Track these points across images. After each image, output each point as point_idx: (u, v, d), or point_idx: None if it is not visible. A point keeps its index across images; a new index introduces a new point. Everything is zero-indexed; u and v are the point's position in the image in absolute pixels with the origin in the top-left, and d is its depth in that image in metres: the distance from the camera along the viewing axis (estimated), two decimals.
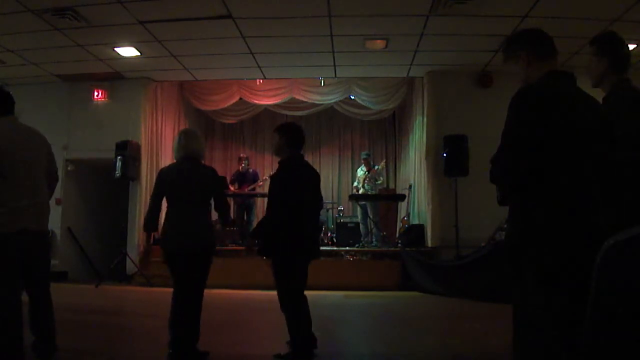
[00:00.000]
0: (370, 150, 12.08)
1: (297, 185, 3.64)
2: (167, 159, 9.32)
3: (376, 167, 9.73)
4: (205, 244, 3.69)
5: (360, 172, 9.88)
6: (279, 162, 3.83)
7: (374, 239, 9.28)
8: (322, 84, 10.17)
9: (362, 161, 10.06)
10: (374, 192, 9.67)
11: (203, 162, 3.93)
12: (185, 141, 3.78)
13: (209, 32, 7.26)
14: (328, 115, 12.11)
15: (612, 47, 2.58)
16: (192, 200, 3.67)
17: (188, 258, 3.58)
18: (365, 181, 9.63)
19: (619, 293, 1.64)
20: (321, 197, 3.98)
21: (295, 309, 3.57)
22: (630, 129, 2.27)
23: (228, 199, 4.41)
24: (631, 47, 7.44)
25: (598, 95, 2.32)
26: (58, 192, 8.80)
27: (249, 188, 9.61)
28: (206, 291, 3.67)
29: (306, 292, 3.67)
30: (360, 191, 9.69)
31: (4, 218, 3.10)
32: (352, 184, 10.64)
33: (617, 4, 6.19)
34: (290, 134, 3.84)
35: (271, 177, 3.89)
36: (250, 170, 10.09)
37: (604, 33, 2.72)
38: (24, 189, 3.23)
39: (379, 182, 9.81)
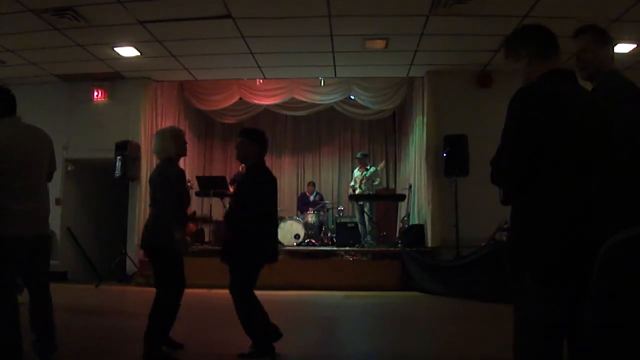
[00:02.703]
0: (370, 150, 12.10)
1: (271, 192, 3.83)
2: None
3: (372, 169, 9.72)
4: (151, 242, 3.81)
5: (357, 172, 9.88)
6: (251, 167, 3.87)
7: (369, 237, 9.29)
8: (322, 84, 10.16)
9: (358, 162, 10.07)
10: (370, 192, 9.68)
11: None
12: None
13: (209, 32, 7.25)
14: (328, 115, 12.10)
15: (610, 37, 2.52)
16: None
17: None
18: (363, 182, 9.64)
19: (619, 293, 1.63)
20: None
21: (252, 309, 3.69)
22: (631, 121, 2.24)
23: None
24: (631, 47, 7.44)
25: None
26: (58, 192, 8.85)
27: None
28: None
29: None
30: (357, 191, 9.69)
31: (4, 220, 3.09)
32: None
33: (617, 4, 6.19)
34: (263, 143, 3.91)
35: (243, 182, 3.95)
36: None
37: (591, 24, 2.56)
38: (26, 192, 3.22)
39: (376, 182, 9.81)
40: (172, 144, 3.83)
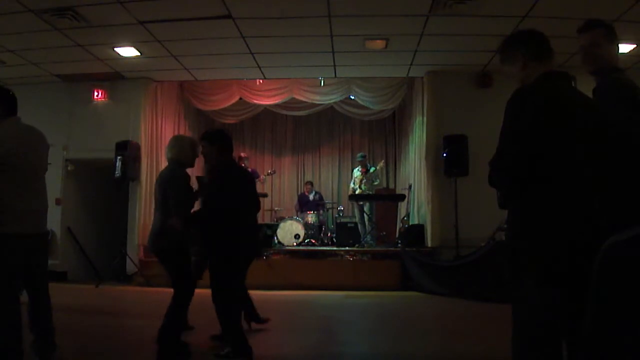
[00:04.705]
0: (370, 150, 12.12)
1: (235, 189, 3.80)
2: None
3: (372, 169, 9.74)
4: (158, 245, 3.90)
5: (357, 172, 9.89)
6: (215, 168, 3.92)
7: (368, 237, 9.30)
8: (322, 84, 10.16)
9: (358, 162, 10.08)
10: (370, 192, 9.70)
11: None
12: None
13: (209, 32, 7.25)
14: (328, 115, 12.11)
15: (616, 35, 2.52)
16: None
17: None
18: (363, 182, 9.65)
19: (619, 293, 1.64)
20: (258, 199, 4.27)
21: (230, 308, 3.68)
22: (631, 121, 2.23)
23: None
24: (631, 47, 7.45)
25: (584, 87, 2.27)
26: (58, 192, 8.85)
27: None
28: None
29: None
30: (357, 192, 9.71)
31: (10, 220, 3.11)
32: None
33: (617, 4, 6.19)
34: (222, 141, 3.96)
35: (208, 183, 3.98)
36: (249, 170, 10.10)
37: (600, 19, 2.57)
38: (29, 192, 3.24)
39: (376, 182, 9.83)
40: (189, 152, 4.06)
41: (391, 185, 11.92)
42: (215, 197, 3.75)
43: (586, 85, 2.48)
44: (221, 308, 3.66)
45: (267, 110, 11.32)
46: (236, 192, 3.78)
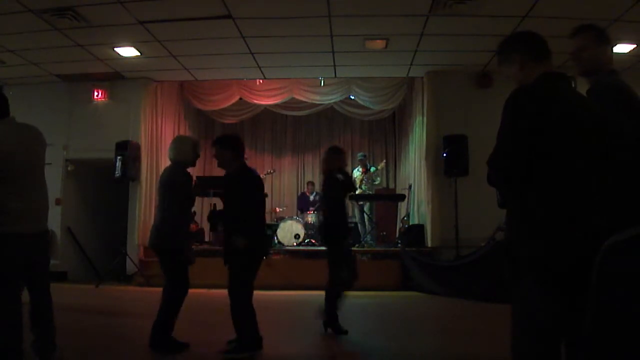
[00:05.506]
0: (370, 150, 12.11)
1: (258, 193, 4.00)
2: (167, 159, 9.32)
3: (372, 169, 9.75)
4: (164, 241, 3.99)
5: (357, 172, 9.89)
6: (233, 171, 4.00)
7: (368, 237, 9.30)
8: (322, 84, 10.17)
9: (358, 162, 10.09)
10: (370, 192, 9.70)
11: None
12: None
13: (209, 32, 7.26)
14: (328, 115, 12.11)
15: (609, 37, 2.54)
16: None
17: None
18: (363, 182, 9.66)
19: (619, 292, 1.64)
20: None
21: (245, 303, 3.78)
22: (626, 123, 2.24)
23: None
24: (631, 47, 7.45)
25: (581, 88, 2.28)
26: (58, 192, 8.86)
27: None
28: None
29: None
30: (357, 192, 9.70)
31: (9, 220, 3.11)
32: None
33: (617, 4, 6.20)
34: (236, 145, 4.03)
35: (230, 186, 4.05)
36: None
37: (590, 24, 2.58)
38: (29, 191, 3.23)
39: (377, 182, 9.83)
40: (190, 152, 4.11)
41: (391, 185, 11.92)
42: (239, 201, 3.84)
43: (585, 86, 2.48)
44: (236, 302, 3.75)
45: (267, 110, 11.32)
46: (253, 194, 3.92)
